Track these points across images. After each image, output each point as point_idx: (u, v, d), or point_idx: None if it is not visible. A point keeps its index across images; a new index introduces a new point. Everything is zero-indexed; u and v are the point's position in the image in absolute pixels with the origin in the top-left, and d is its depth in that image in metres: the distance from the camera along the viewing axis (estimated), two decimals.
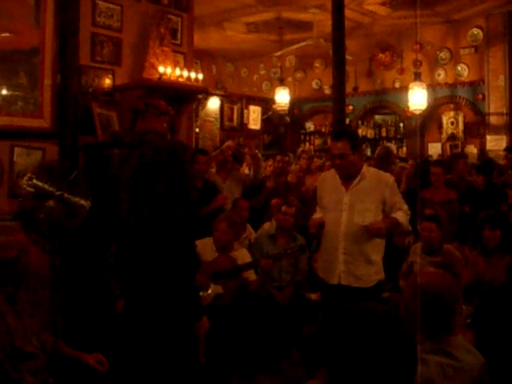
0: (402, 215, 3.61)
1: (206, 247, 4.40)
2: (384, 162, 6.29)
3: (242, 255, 4.53)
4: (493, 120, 9.08)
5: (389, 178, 3.74)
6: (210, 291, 4.14)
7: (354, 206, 3.57)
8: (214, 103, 10.13)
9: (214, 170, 5.90)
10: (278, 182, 6.43)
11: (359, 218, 3.55)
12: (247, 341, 4.21)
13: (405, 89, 9.08)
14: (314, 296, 4.74)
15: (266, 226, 5.51)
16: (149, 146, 3.03)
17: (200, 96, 7.39)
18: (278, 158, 6.98)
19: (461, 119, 9.72)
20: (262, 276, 4.50)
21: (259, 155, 7.51)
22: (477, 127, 9.46)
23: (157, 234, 2.83)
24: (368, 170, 3.70)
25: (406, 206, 3.69)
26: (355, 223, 3.55)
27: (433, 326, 1.91)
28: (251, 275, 4.46)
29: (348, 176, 3.63)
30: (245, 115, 10.84)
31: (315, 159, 7.47)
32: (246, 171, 6.73)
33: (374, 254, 3.62)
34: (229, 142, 6.84)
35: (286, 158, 7.26)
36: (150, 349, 2.81)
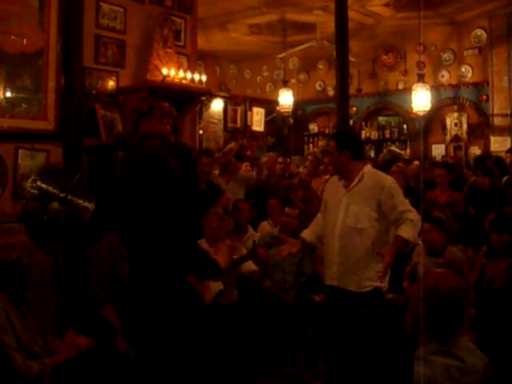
0: (407, 230, 3.38)
1: None
2: (390, 165, 6.29)
3: (237, 249, 4.53)
4: (497, 121, 9.06)
5: (386, 179, 3.65)
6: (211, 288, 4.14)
7: (349, 208, 3.55)
8: (217, 105, 10.14)
9: (217, 172, 5.91)
10: (278, 184, 6.43)
11: (352, 220, 3.52)
12: (252, 343, 4.21)
13: (408, 90, 9.08)
14: (317, 297, 4.73)
15: (264, 225, 5.51)
16: (135, 152, 3.03)
17: (203, 98, 7.39)
18: (280, 159, 6.98)
19: (464, 120, 9.70)
20: (262, 265, 4.52)
21: (274, 156, 7.48)
22: (481, 128, 9.44)
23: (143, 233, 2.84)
24: (369, 171, 3.67)
25: (411, 214, 3.43)
26: (348, 225, 3.53)
27: (442, 327, 1.90)
28: (251, 266, 4.47)
29: (339, 174, 3.70)
30: (248, 117, 10.84)
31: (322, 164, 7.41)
32: (254, 173, 6.70)
33: (371, 259, 3.50)
34: (232, 145, 6.84)
35: (288, 160, 7.26)
36: (157, 348, 2.81)
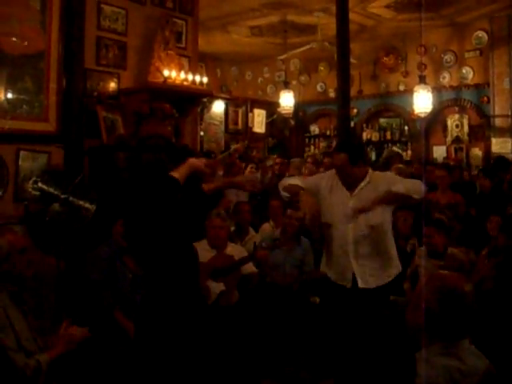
0: (400, 186, 3.48)
1: (200, 249, 4.38)
2: (389, 162, 6.29)
3: (238, 251, 4.53)
4: (498, 122, 9.05)
5: (388, 174, 3.85)
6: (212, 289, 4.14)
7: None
8: (218, 106, 10.15)
9: (221, 173, 5.89)
10: (277, 185, 6.40)
11: (364, 219, 3.54)
12: (252, 345, 4.21)
13: (409, 92, 9.07)
14: (318, 300, 4.73)
15: (266, 226, 5.50)
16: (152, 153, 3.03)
17: (205, 99, 7.41)
18: (278, 160, 6.96)
19: (466, 122, 9.69)
20: (262, 267, 4.52)
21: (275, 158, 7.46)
22: (482, 130, 9.43)
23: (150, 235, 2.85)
24: (373, 175, 3.69)
25: (412, 181, 3.70)
26: (361, 225, 3.54)
27: (451, 329, 1.90)
28: (251, 268, 4.48)
29: (346, 183, 3.65)
30: (249, 118, 10.84)
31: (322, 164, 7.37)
32: (258, 175, 6.66)
33: (387, 246, 3.62)
34: (237, 145, 6.82)
35: (286, 161, 7.26)
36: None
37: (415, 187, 3.53)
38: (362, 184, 3.60)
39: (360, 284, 3.57)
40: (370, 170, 3.72)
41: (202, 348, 3.01)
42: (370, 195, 3.57)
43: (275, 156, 7.86)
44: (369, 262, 3.56)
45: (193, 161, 2.84)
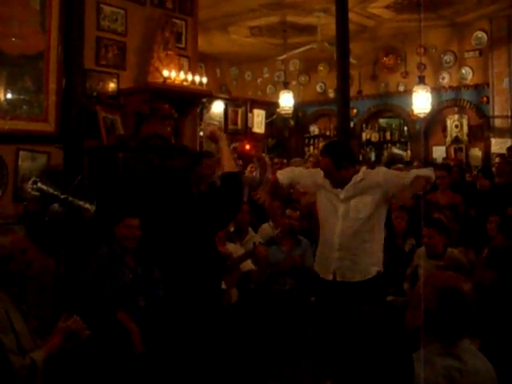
0: (415, 171, 3.61)
1: None
2: (389, 167, 6.29)
3: (236, 249, 4.54)
4: (497, 123, 9.06)
5: (378, 169, 3.87)
6: None
7: (350, 202, 3.60)
8: (218, 107, 10.14)
9: (220, 173, 5.86)
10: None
11: (354, 212, 3.58)
12: (253, 345, 4.20)
13: (409, 92, 9.07)
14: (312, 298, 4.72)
15: (265, 227, 5.49)
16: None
17: (204, 99, 7.39)
18: (276, 160, 6.99)
19: (465, 122, 9.70)
20: (261, 264, 4.53)
21: (266, 158, 7.49)
22: (481, 130, 9.44)
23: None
24: (365, 172, 3.71)
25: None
26: (350, 218, 3.58)
27: (450, 329, 1.89)
28: (250, 266, 4.48)
29: (336, 183, 3.67)
30: (249, 119, 10.83)
31: None
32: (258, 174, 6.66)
33: (372, 244, 3.62)
34: (235, 144, 6.82)
35: (285, 161, 7.27)
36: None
37: (428, 170, 3.64)
38: (352, 181, 3.63)
39: (337, 277, 3.60)
40: (363, 169, 3.73)
41: (206, 348, 3.03)
42: (360, 190, 3.60)
43: (272, 155, 7.89)
44: (350, 256, 3.58)
45: None
